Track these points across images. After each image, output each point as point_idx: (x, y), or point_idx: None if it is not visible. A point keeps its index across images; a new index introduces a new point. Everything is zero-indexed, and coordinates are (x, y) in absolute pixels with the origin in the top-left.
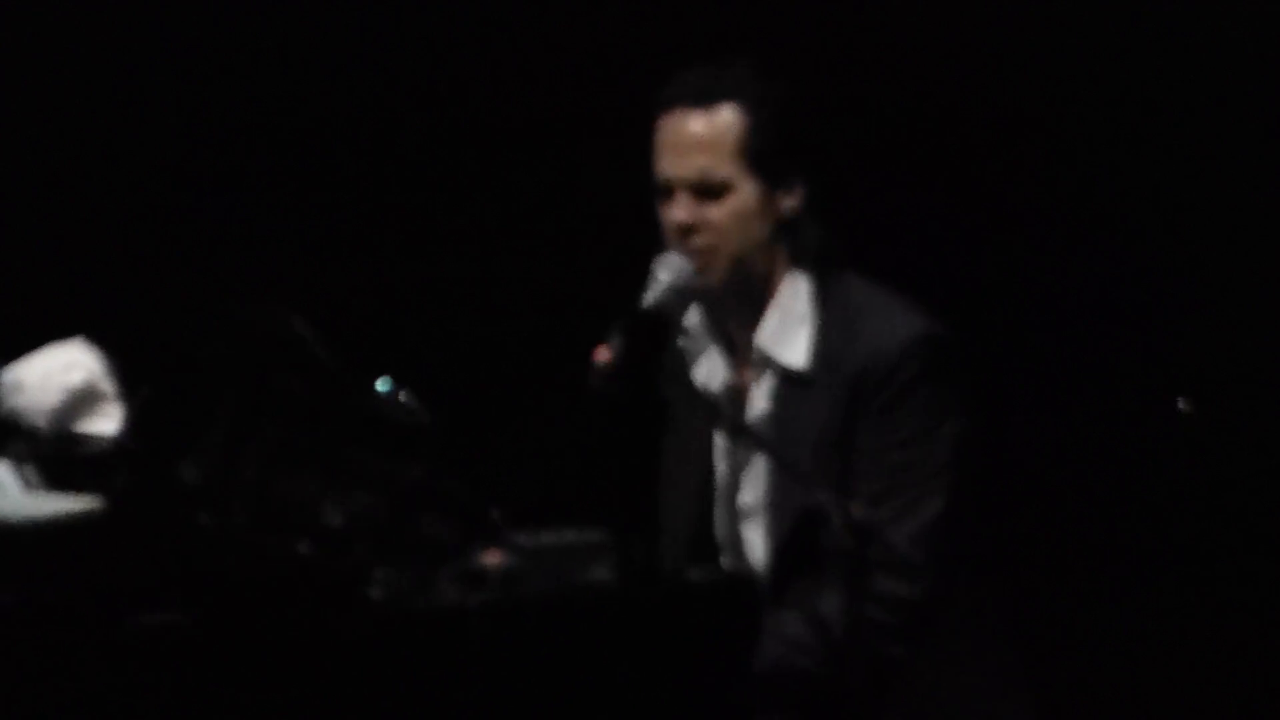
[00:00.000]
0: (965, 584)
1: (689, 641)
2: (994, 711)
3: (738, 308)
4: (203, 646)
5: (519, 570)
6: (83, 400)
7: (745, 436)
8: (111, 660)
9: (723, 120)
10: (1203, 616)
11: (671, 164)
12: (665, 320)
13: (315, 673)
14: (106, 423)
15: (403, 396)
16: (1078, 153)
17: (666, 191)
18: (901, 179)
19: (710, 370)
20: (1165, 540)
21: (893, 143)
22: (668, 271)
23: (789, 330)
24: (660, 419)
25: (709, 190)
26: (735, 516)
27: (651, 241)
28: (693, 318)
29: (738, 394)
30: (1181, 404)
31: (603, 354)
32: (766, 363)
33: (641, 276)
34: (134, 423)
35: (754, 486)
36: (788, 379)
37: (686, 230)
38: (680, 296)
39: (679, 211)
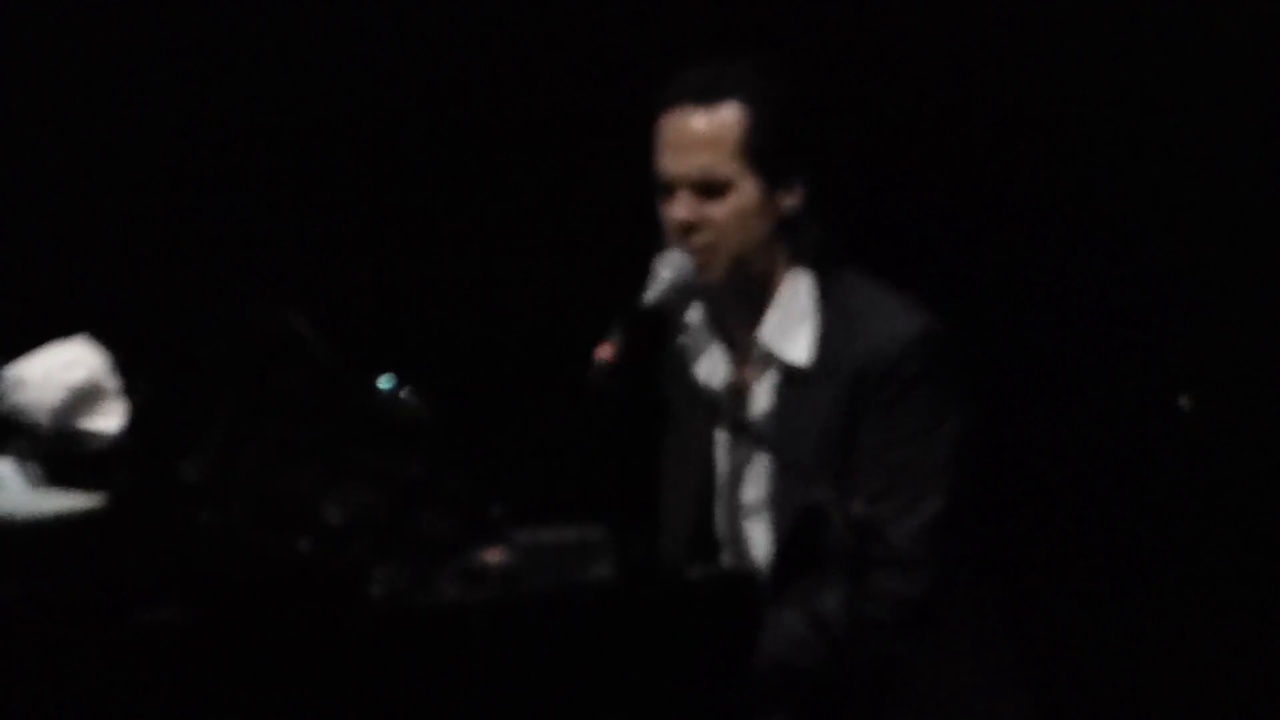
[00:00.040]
0: (965, 584)
1: (689, 639)
2: (994, 711)
3: (738, 305)
4: (203, 644)
5: (519, 568)
6: (85, 398)
7: (747, 434)
8: (113, 657)
9: (725, 118)
10: (1202, 617)
11: (673, 162)
12: (666, 317)
13: (315, 670)
14: (109, 420)
15: (405, 394)
16: (1078, 153)
17: (668, 189)
18: (901, 179)
19: (712, 368)
20: (1165, 540)
21: (892, 143)
22: (669, 269)
23: (791, 327)
24: (660, 416)
25: (710, 188)
26: (737, 513)
27: (651, 240)
28: (694, 315)
29: (740, 391)
30: (1183, 401)
31: (605, 351)
32: (768, 360)
33: (641, 276)
34: (135, 421)
35: (756, 484)
36: (790, 376)
37: (688, 228)
38: (682, 294)
39: (680, 209)
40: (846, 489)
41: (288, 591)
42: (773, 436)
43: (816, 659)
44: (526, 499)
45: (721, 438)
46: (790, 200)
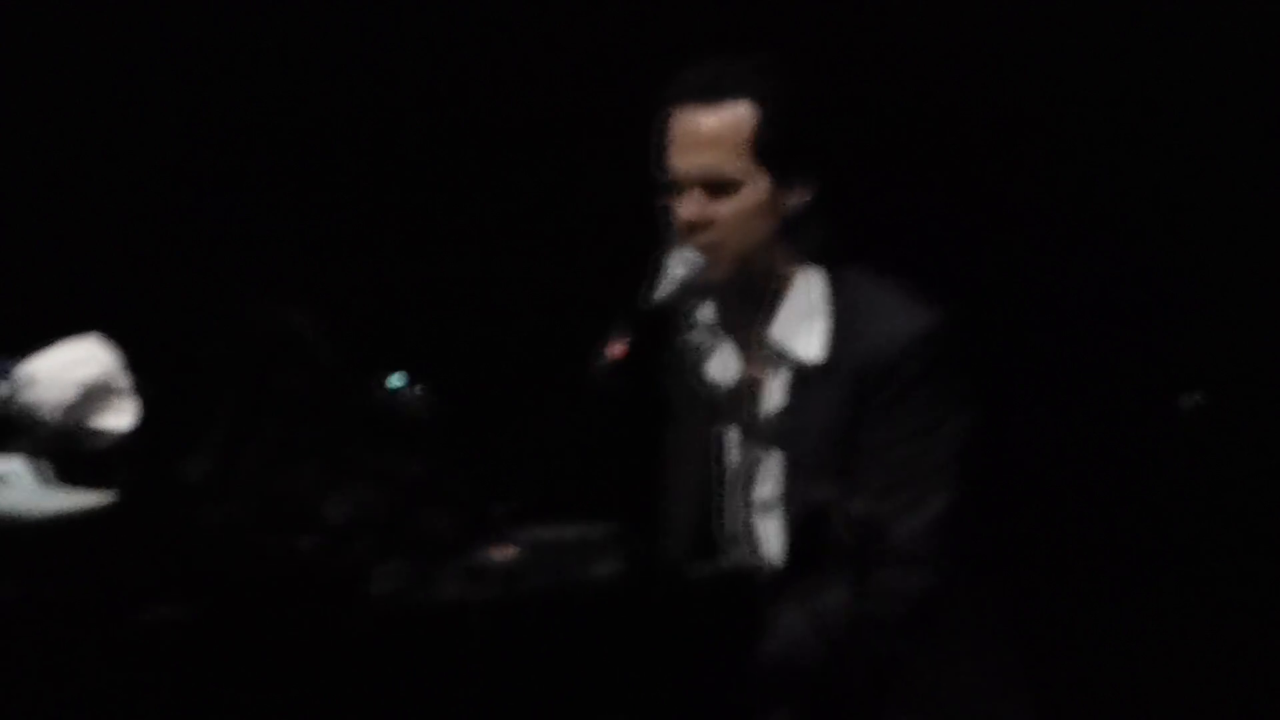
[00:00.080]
0: (965, 583)
1: (691, 638)
2: (994, 711)
3: (746, 303)
4: (206, 642)
5: (521, 566)
6: (96, 395)
7: (760, 431)
8: (118, 655)
9: (732, 117)
10: (1202, 617)
11: (680, 161)
12: (673, 315)
13: (318, 668)
14: (120, 418)
15: (416, 392)
16: (1077, 153)
17: (675, 188)
18: (900, 179)
19: (723, 366)
20: (1165, 540)
21: (891, 143)
22: (679, 266)
23: (802, 324)
24: (662, 414)
25: (718, 187)
26: (750, 511)
27: (652, 239)
28: (704, 314)
29: (752, 389)
30: (1193, 398)
31: (616, 349)
32: (780, 357)
33: (643, 275)
34: (138, 420)
35: (769, 481)
36: (802, 373)
37: (695, 226)
38: (689, 292)
39: (688, 208)
40: (850, 487)
41: (290, 590)
42: (786, 434)
43: (817, 657)
44: (529, 497)
45: (733, 435)
46: (797, 198)
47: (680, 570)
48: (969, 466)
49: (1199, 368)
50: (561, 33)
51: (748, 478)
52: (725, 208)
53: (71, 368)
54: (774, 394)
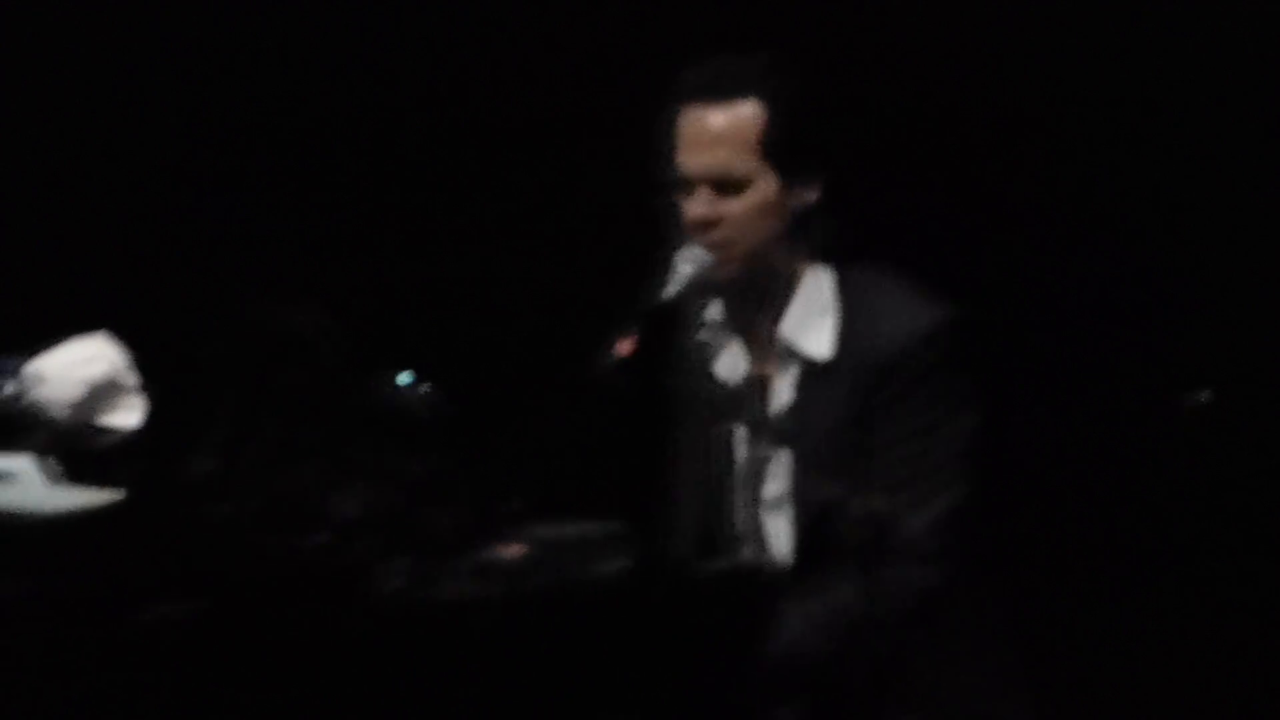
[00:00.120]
0: (969, 581)
1: (698, 635)
2: (995, 709)
3: (756, 301)
4: (213, 639)
5: (530, 563)
6: (104, 393)
7: (769, 429)
8: (126, 652)
9: (742, 115)
10: (1202, 617)
11: (691, 159)
12: (681, 313)
13: (324, 666)
14: (128, 416)
15: (424, 389)
16: (1077, 153)
17: (685, 186)
18: (900, 179)
19: (731, 363)
20: (1166, 540)
21: (891, 142)
22: (688, 264)
23: (812, 321)
24: (670, 412)
25: (728, 185)
26: (757, 508)
27: (656, 237)
28: (712, 312)
29: (760, 386)
30: (1201, 396)
31: (625, 346)
32: (790, 354)
33: (647, 272)
34: (152, 414)
35: (778, 479)
36: (811, 370)
37: (705, 224)
38: (698, 289)
39: (698, 206)
40: (862, 483)
41: (296, 588)
42: (794, 431)
43: (823, 654)
44: (535, 495)
45: (741, 433)
46: (807, 195)
47: (687, 568)
48: (975, 463)
49: (1207, 365)
50: (561, 33)
51: (755, 475)
52: (734, 206)
53: (79, 366)
54: (782, 392)
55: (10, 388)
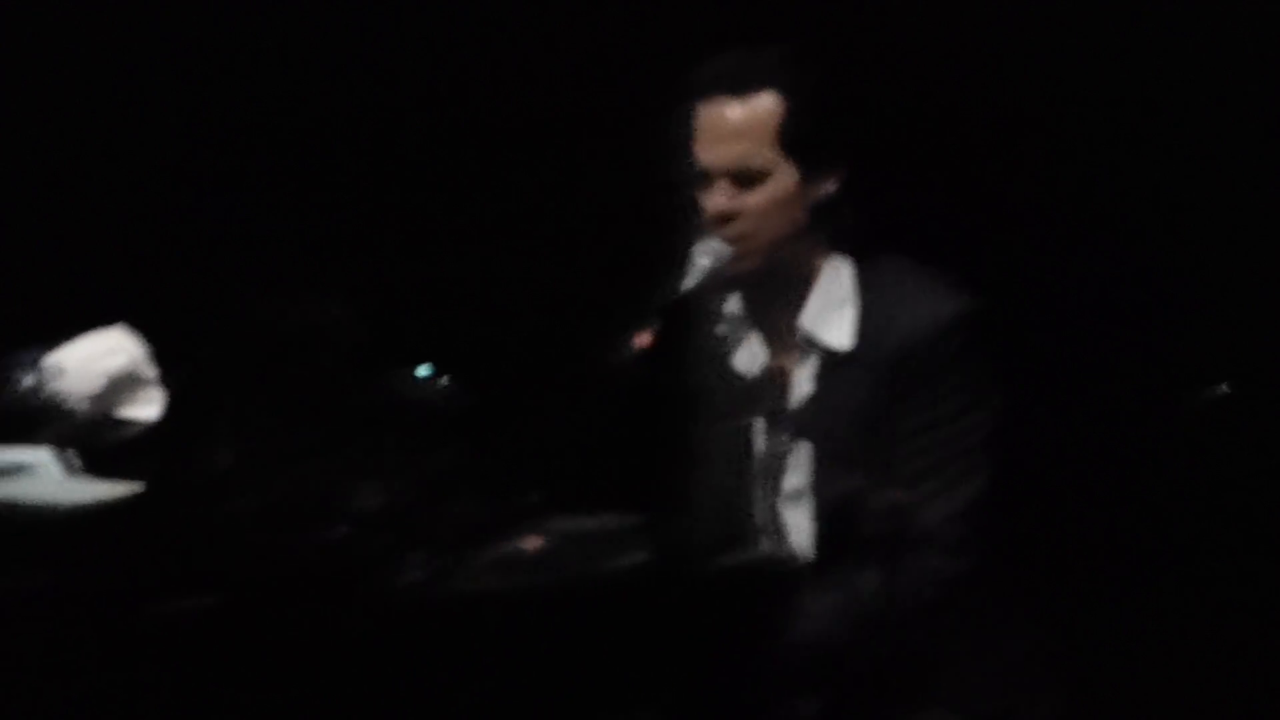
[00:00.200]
0: (987, 573)
1: (719, 627)
2: (1015, 702)
3: (776, 293)
4: (232, 632)
5: (552, 556)
6: (123, 385)
7: (788, 421)
8: (144, 645)
9: (760, 108)
10: (1202, 616)
11: (709, 152)
12: (700, 306)
13: (344, 659)
14: (147, 408)
15: (443, 382)
16: (1077, 152)
17: (704, 179)
18: (901, 179)
19: (750, 356)
20: (1186, 533)
21: (892, 142)
22: (707, 256)
23: (831, 312)
24: (689, 405)
25: (747, 177)
26: (777, 500)
27: (673, 231)
28: (732, 304)
29: (779, 379)
30: (1217, 390)
31: (644, 339)
32: (809, 345)
33: (664, 265)
34: (167, 409)
35: (797, 471)
36: (831, 361)
37: (725, 217)
38: (719, 281)
39: (717, 199)
40: (885, 473)
41: (315, 581)
42: (814, 423)
43: (847, 643)
44: (556, 488)
45: (760, 425)
46: (826, 187)
47: (707, 561)
48: (995, 454)
49: (1224, 360)
50: (561, 33)
51: (774, 468)
52: (753, 199)
53: (98, 358)
54: (802, 384)
55: (30, 380)
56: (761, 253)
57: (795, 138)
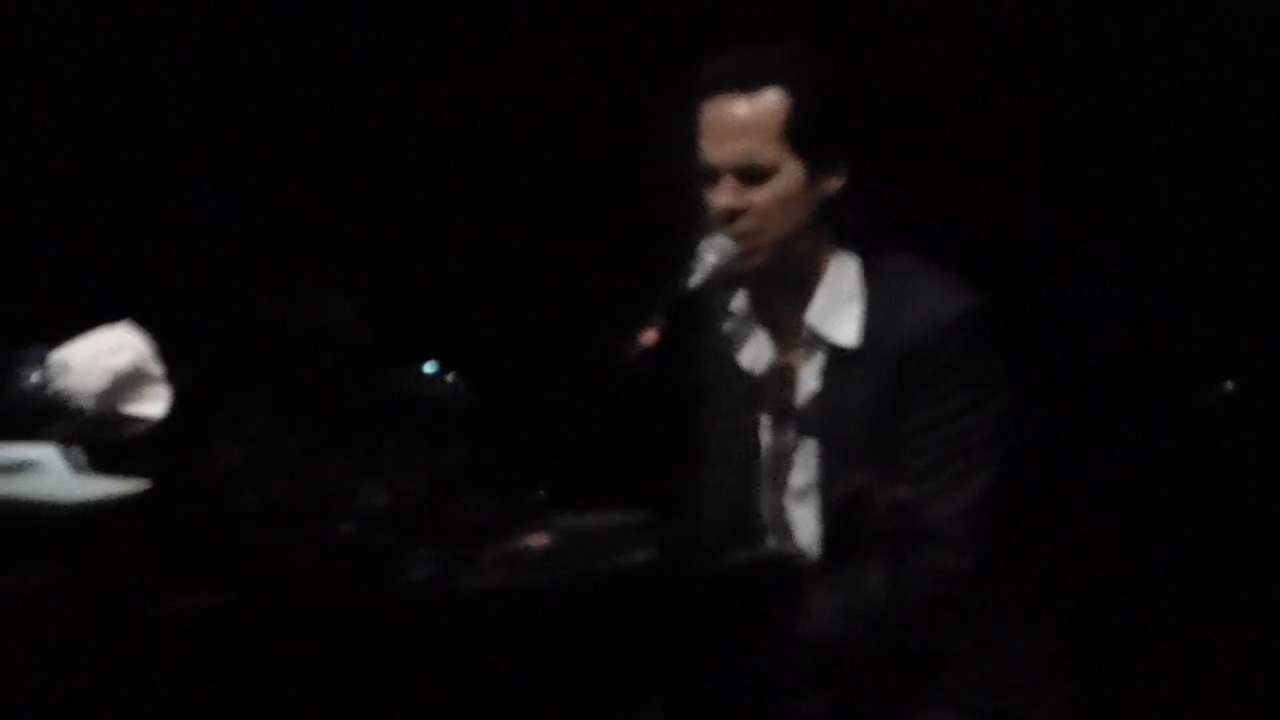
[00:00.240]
0: (995, 569)
1: (731, 622)
2: (1022, 699)
3: (782, 289)
4: (239, 629)
5: (560, 553)
6: (129, 382)
7: (795, 418)
8: (151, 642)
9: (766, 104)
10: (1207, 614)
11: (716, 148)
12: (707, 302)
13: (352, 656)
14: (153, 405)
15: (449, 379)
16: (1077, 152)
17: (710, 176)
18: (908, 175)
19: (756, 352)
20: (1194, 530)
21: (898, 138)
22: (714, 253)
23: (838, 309)
24: (696, 402)
25: (753, 174)
26: (784, 496)
27: (679, 228)
28: (738, 301)
29: (786, 375)
30: (1225, 386)
31: (650, 336)
32: (816, 342)
33: (672, 262)
34: (175, 405)
35: (804, 468)
36: (837, 357)
37: (731, 214)
38: (726, 278)
39: (724, 196)
40: (892, 469)
41: (323, 577)
42: (821, 418)
43: (856, 639)
44: (563, 485)
45: (767, 422)
46: (832, 183)
47: (714, 558)
48: (1005, 448)
49: (1230, 356)
50: (561, 33)
51: (781, 465)
52: (760, 195)
53: (104, 355)
54: (808, 380)
55: (35, 377)
56: (768, 249)
57: (801, 134)
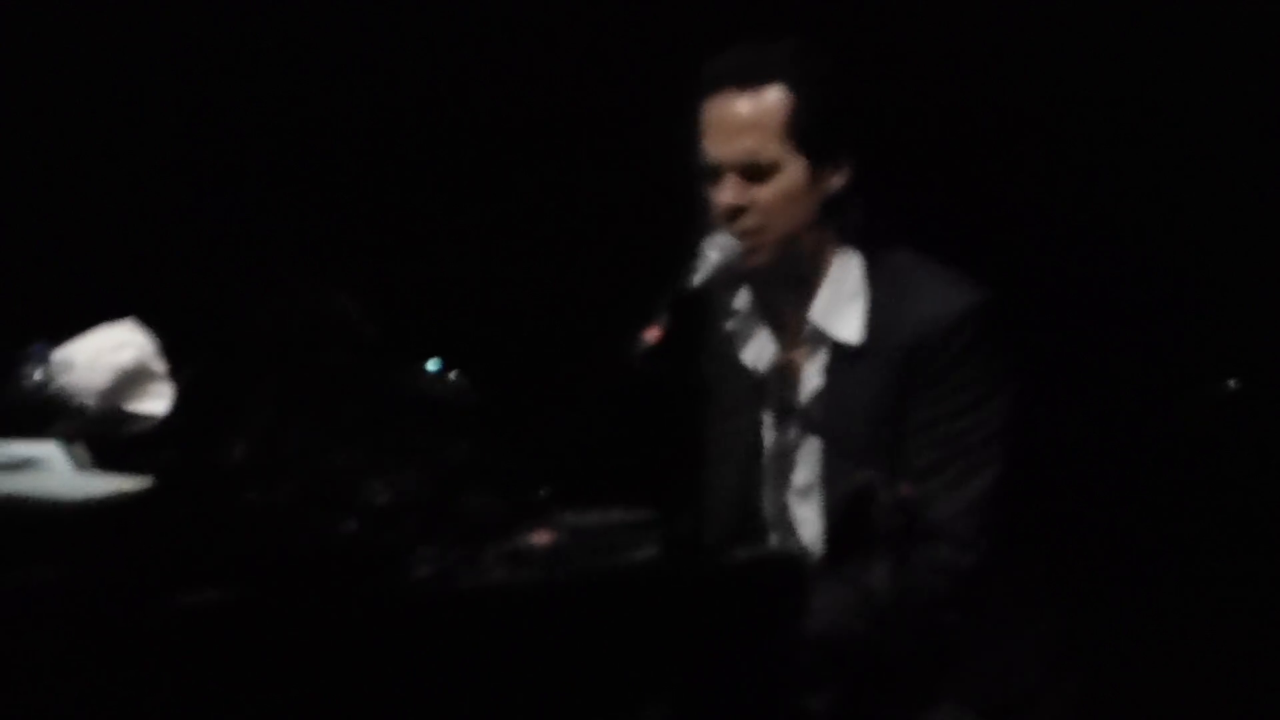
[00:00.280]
0: (1002, 565)
1: (734, 620)
2: (1031, 695)
3: (787, 286)
4: (245, 626)
5: (564, 550)
6: (133, 380)
7: (797, 415)
8: (158, 639)
9: (769, 101)
10: (1212, 608)
11: (718, 146)
12: (710, 300)
13: (360, 651)
14: (156, 402)
15: (452, 375)
16: (1077, 152)
17: (713, 173)
18: (911, 172)
19: (759, 350)
20: (1202, 524)
21: (902, 135)
22: (717, 251)
23: (841, 306)
24: (700, 399)
25: (756, 171)
26: (786, 494)
27: (690, 225)
28: (742, 299)
29: (789, 373)
30: (1229, 384)
31: (653, 334)
32: (819, 339)
33: (676, 260)
34: (180, 402)
35: (807, 466)
36: (841, 355)
37: (734, 212)
38: (729, 276)
39: (727, 193)
40: (896, 466)
41: (332, 572)
42: (824, 416)
43: (862, 635)
44: (567, 482)
45: (770, 420)
46: (835, 180)
47: (719, 555)
48: (1010, 444)
49: (1236, 354)
50: (561, 33)
51: (785, 462)
52: (763, 192)
53: (107, 352)
54: (811, 378)
55: (39, 374)
56: (771, 247)
57: (804, 131)
